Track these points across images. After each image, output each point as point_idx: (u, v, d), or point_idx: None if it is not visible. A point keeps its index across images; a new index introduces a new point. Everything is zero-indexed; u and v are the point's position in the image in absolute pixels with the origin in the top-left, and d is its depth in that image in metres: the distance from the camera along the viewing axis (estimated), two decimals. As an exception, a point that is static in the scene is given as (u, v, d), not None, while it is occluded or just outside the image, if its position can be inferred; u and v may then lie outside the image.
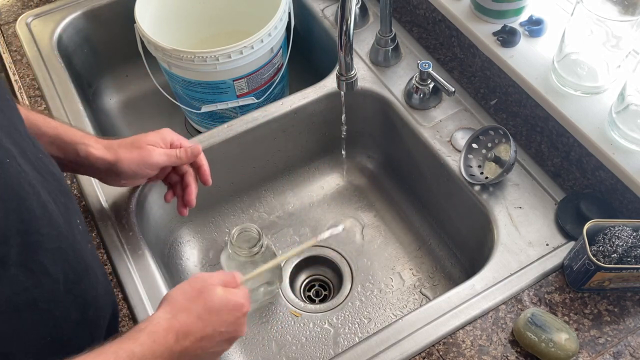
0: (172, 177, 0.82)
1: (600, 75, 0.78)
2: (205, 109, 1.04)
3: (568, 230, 0.79)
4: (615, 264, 0.69)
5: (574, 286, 0.74)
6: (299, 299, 0.95)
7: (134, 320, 0.75)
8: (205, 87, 1.00)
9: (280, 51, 1.04)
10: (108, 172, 0.76)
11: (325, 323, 0.92)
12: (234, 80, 0.99)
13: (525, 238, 0.79)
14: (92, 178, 0.87)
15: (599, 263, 0.68)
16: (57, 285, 0.53)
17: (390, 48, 0.99)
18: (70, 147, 0.73)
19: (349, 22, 0.70)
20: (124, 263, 0.79)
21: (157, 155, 0.76)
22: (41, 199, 0.50)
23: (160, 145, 0.77)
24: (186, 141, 0.80)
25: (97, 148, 0.74)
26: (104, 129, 1.12)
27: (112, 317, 0.66)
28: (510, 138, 0.82)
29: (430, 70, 0.90)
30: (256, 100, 1.05)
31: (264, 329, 0.92)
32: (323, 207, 1.06)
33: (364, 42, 1.04)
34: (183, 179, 0.81)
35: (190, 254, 1.00)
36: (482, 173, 0.86)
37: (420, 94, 0.93)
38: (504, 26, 0.87)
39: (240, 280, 0.63)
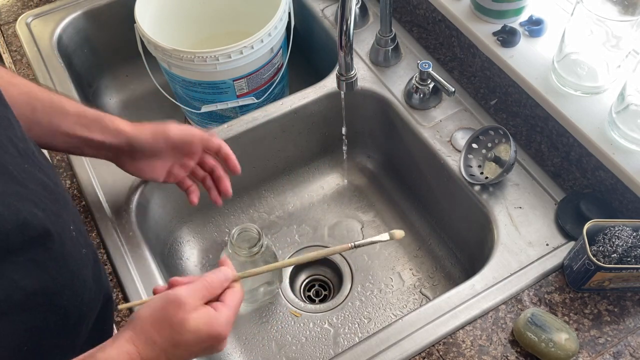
0: (198, 173, 0.82)
1: (600, 75, 0.78)
2: (205, 109, 1.04)
3: (568, 230, 0.79)
4: (615, 264, 0.69)
5: (574, 286, 0.74)
6: (299, 299, 0.95)
7: (134, 320, 0.75)
8: (205, 87, 1.00)
9: (280, 51, 1.04)
10: (128, 148, 0.75)
11: (325, 323, 0.92)
12: (234, 80, 0.99)
13: (525, 238, 0.79)
14: (92, 177, 0.87)
15: (599, 263, 0.68)
16: (33, 297, 0.50)
17: (390, 48, 0.99)
18: (95, 124, 0.73)
19: (349, 22, 0.70)
20: (124, 263, 0.79)
21: (174, 128, 0.76)
22: (19, 215, 0.48)
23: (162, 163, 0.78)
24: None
25: (122, 122, 0.75)
26: (104, 129, 1.12)
27: (102, 310, 0.64)
28: (510, 138, 0.82)
29: (430, 70, 0.90)
30: (256, 100, 1.05)
31: (264, 329, 0.92)
32: (323, 207, 1.06)
33: (364, 42, 1.04)
34: (214, 172, 0.82)
35: (190, 254, 1.00)
36: (482, 173, 0.86)
37: (420, 94, 0.93)
38: (504, 26, 0.87)
39: (233, 276, 0.59)
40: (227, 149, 0.80)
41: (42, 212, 0.50)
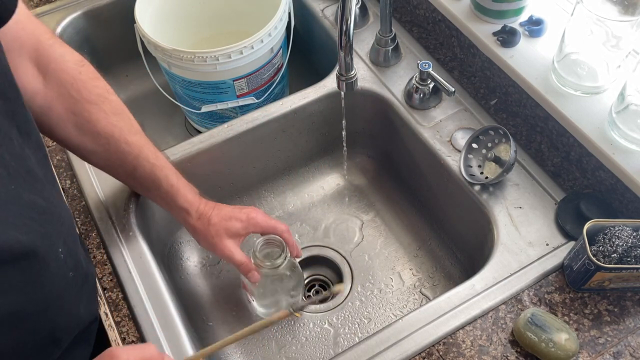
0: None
1: (600, 75, 0.78)
2: (205, 109, 1.04)
3: (568, 230, 0.79)
4: (615, 264, 0.69)
5: (574, 286, 0.74)
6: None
7: (134, 320, 0.75)
8: (205, 87, 1.00)
9: (280, 51, 1.04)
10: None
11: (325, 323, 0.92)
12: (234, 80, 0.99)
13: (525, 238, 0.79)
14: (92, 177, 0.88)
15: (599, 263, 0.68)
16: (10, 317, 0.50)
17: (390, 48, 0.99)
18: (180, 214, 0.79)
19: (349, 22, 0.70)
20: (124, 263, 0.79)
21: (228, 252, 0.79)
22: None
23: (239, 238, 0.81)
24: (276, 226, 0.82)
25: (194, 217, 0.78)
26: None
27: (84, 332, 0.64)
28: (510, 138, 0.82)
29: (430, 70, 0.90)
30: (256, 100, 1.05)
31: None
32: (323, 207, 1.06)
33: (364, 42, 1.04)
34: None
35: (190, 254, 1.00)
36: (482, 173, 0.86)
37: (420, 94, 0.93)
38: (504, 26, 0.87)
39: None
40: (287, 237, 0.83)
41: (24, 235, 0.49)
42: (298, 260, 0.99)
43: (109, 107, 0.71)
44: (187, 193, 0.78)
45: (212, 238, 0.78)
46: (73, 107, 0.68)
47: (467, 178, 0.86)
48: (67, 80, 0.68)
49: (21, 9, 0.61)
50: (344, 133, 0.96)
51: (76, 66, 0.69)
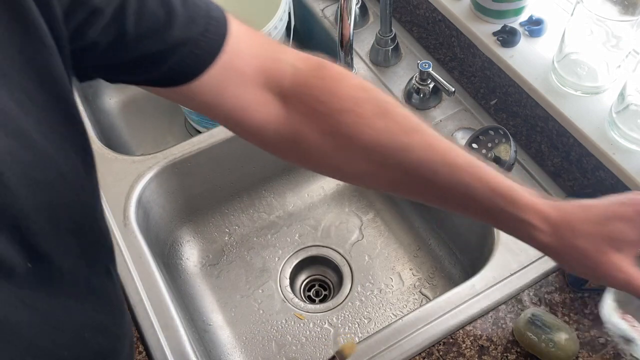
0: None
1: (600, 75, 0.78)
2: (205, 109, 1.04)
3: (568, 230, 0.78)
4: (615, 264, 0.68)
5: (574, 286, 0.74)
6: (299, 299, 0.95)
7: (134, 320, 0.75)
8: (205, 87, 1.00)
9: None
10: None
11: (325, 323, 0.92)
12: None
13: (525, 238, 0.79)
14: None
15: (599, 263, 0.68)
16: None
17: (390, 48, 0.99)
18: (503, 218, 0.53)
19: (349, 22, 0.70)
20: (124, 263, 0.79)
21: (621, 275, 0.51)
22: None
23: (633, 249, 0.52)
24: None
25: (545, 231, 0.52)
26: (104, 128, 1.12)
27: None
28: (510, 138, 0.82)
29: (430, 70, 0.90)
30: (256, 100, 1.05)
31: (264, 329, 0.92)
32: (323, 207, 1.06)
33: (364, 42, 1.04)
34: None
35: (190, 254, 1.00)
36: (482, 173, 0.86)
37: (420, 94, 0.93)
38: (504, 26, 0.87)
39: None
40: None
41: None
42: (300, 259, 0.99)
43: (368, 108, 0.53)
44: (520, 196, 0.52)
45: (585, 258, 0.52)
46: (325, 125, 0.52)
47: (467, 178, 0.85)
48: (309, 95, 0.52)
49: (233, 36, 0.49)
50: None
51: (315, 73, 0.54)
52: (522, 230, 0.53)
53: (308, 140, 0.52)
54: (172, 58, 0.46)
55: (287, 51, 0.54)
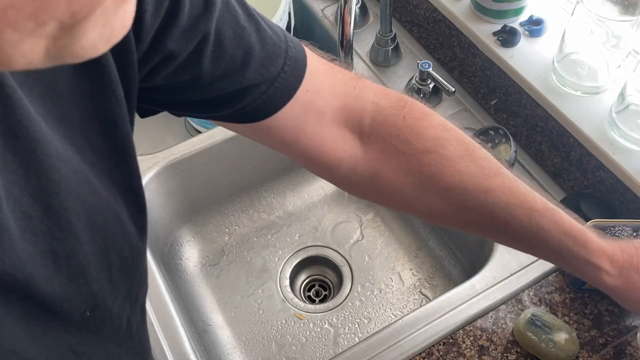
0: None
1: (600, 75, 0.78)
2: (205, 109, 1.04)
3: (568, 230, 0.78)
4: (615, 264, 0.68)
5: (574, 286, 0.74)
6: (299, 299, 0.95)
7: (133, 320, 0.75)
8: (205, 87, 1.00)
9: None
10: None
11: (325, 323, 0.92)
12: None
13: (525, 238, 0.79)
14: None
15: (599, 263, 0.68)
16: None
17: (390, 48, 0.99)
18: (572, 260, 0.55)
19: (349, 22, 0.70)
20: (124, 263, 0.79)
21: None
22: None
23: None
24: None
25: (611, 274, 0.55)
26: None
27: None
28: (511, 138, 0.82)
29: (430, 70, 0.90)
30: (256, 100, 1.05)
31: (264, 329, 0.92)
32: (323, 207, 1.06)
33: (364, 42, 1.04)
34: None
35: (190, 254, 1.00)
36: (482, 173, 0.86)
37: (420, 94, 0.93)
38: (504, 26, 0.87)
39: None
40: None
41: None
42: (300, 259, 0.99)
43: (451, 150, 0.52)
44: (591, 240, 0.54)
45: None
46: (405, 165, 0.52)
47: (467, 178, 0.85)
48: (390, 134, 0.52)
49: (312, 74, 0.49)
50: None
51: (396, 111, 0.52)
52: (591, 272, 0.55)
53: (387, 178, 0.52)
54: (246, 99, 0.45)
55: (367, 87, 0.53)
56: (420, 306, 0.75)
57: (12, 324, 0.32)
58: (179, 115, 0.49)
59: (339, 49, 0.73)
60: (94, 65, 0.34)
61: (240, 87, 0.45)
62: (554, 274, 0.76)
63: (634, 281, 0.54)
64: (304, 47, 0.50)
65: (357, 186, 0.54)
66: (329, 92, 0.51)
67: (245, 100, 0.45)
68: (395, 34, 0.98)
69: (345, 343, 0.90)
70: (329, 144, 0.51)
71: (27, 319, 0.33)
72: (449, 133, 0.53)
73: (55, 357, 0.36)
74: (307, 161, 0.52)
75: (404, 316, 0.74)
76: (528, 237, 0.54)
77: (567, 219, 0.54)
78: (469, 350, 0.71)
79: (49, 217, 0.32)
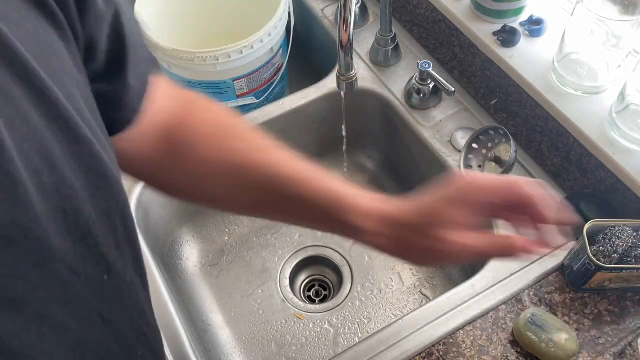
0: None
1: (600, 75, 0.78)
2: (205, 109, 1.04)
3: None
4: (615, 264, 0.68)
5: (574, 286, 0.74)
6: (298, 299, 0.95)
7: (133, 320, 0.75)
8: (205, 87, 1.00)
9: (280, 51, 1.04)
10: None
11: (325, 323, 0.92)
12: (233, 80, 0.99)
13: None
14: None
15: (599, 263, 0.68)
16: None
17: (390, 48, 0.99)
18: (337, 225, 0.54)
19: (349, 22, 0.70)
20: (124, 263, 0.79)
21: (447, 255, 0.52)
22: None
23: (457, 235, 0.51)
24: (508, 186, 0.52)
25: (375, 234, 0.54)
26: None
27: None
28: (511, 138, 0.82)
29: (430, 70, 0.90)
30: (256, 100, 1.05)
31: (264, 329, 0.92)
32: (323, 207, 1.06)
33: (364, 42, 1.04)
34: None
35: (190, 254, 1.00)
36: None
37: (420, 94, 0.93)
38: (504, 26, 0.87)
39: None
40: (529, 196, 0.51)
41: None
42: (300, 259, 0.99)
43: (207, 130, 0.55)
44: (350, 204, 0.53)
45: (422, 249, 0.53)
46: (165, 144, 0.54)
47: (467, 178, 0.85)
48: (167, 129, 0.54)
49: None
50: (344, 133, 0.96)
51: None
52: (358, 235, 0.54)
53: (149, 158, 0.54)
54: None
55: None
56: (420, 306, 0.75)
57: (48, 287, 0.33)
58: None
59: (339, 49, 0.73)
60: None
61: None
62: (554, 274, 0.76)
63: (403, 238, 0.53)
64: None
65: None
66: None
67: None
68: (395, 34, 0.98)
69: (345, 343, 0.89)
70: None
71: (60, 283, 0.33)
72: (205, 114, 0.55)
73: (85, 322, 0.36)
74: None
75: (404, 316, 0.74)
76: (290, 208, 0.55)
77: (329, 185, 0.54)
78: (469, 350, 0.71)
79: (54, 173, 0.33)
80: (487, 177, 0.55)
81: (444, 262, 0.57)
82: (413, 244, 0.53)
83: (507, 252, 0.53)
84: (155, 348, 0.47)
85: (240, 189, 0.54)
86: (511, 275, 0.76)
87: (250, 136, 0.55)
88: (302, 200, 0.53)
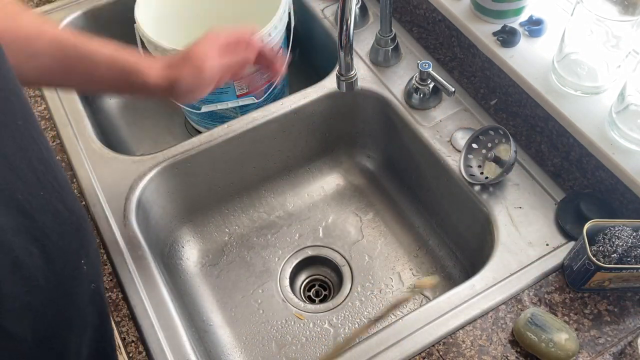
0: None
1: (600, 75, 0.78)
2: (205, 109, 1.04)
3: (568, 230, 0.79)
4: (615, 264, 0.69)
5: (574, 286, 0.74)
6: (299, 299, 0.95)
7: (134, 320, 0.75)
8: (205, 87, 1.00)
9: (280, 51, 1.04)
10: (168, 96, 0.70)
11: (325, 323, 0.92)
12: (234, 80, 0.99)
13: (525, 238, 0.79)
14: (91, 177, 0.88)
15: (599, 263, 0.68)
16: (23, 343, 0.47)
17: (390, 48, 0.99)
18: (124, 77, 0.66)
19: (349, 22, 0.70)
20: (124, 263, 0.79)
21: (209, 70, 0.68)
22: (12, 254, 0.44)
23: (212, 54, 0.68)
24: (243, 33, 0.72)
25: (152, 76, 0.67)
26: (104, 129, 1.12)
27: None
28: (510, 138, 0.82)
29: (430, 70, 0.90)
30: (256, 100, 1.05)
31: (264, 329, 0.92)
32: (323, 207, 1.06)
33: (364, 42, 1.04)
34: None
35: (190, 254, 1.00)
36: (482, 173, 0.86)
37: (420, 94, 0.93)
38: (504, 26, 0.87)
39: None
40: (263, 49, 0.73)
41: (41, 249, 0.47)
42: (300, 259, 0.99)
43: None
44: (131, 59, 0.67)
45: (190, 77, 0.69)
46: None
47: (467, 178, 0.85)
48: None
49: None
50: (344, 133, 0.96)
51: None
52: (148, 90, 0.67)
53: None
54: None
55: None
56: (420, 306, 0.75)
57: None
58: None
59: (339, 49, 0.73)
60: None
61: None
62: (553, 274, 0.76)
63: (172, 74, 0.67)
64: None
65: None
66: None
67: None
68: (395, 34, 0.98)
69: (345, 343, 0.90)
70: None
71: None
72: None
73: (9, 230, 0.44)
74: None
75: (404, 316, 0.74)
76: (84, 70, 0.65)
77: (120, 51, 0.66)
78: (469, 350, 0.71)
79: None
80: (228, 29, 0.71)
81: (208, 79, 0.69)
82: (183, 71, 0.67)
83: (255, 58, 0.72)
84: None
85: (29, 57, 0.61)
86: (511, 275, 0.76)
87: (34, 16, 0.63)
88: (94, 63, 0.64)
